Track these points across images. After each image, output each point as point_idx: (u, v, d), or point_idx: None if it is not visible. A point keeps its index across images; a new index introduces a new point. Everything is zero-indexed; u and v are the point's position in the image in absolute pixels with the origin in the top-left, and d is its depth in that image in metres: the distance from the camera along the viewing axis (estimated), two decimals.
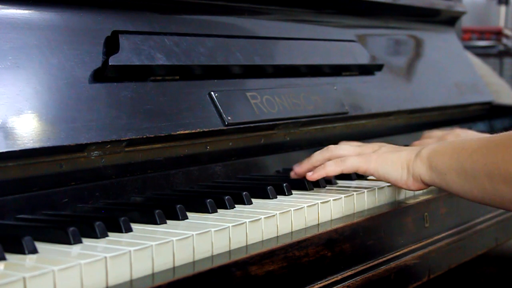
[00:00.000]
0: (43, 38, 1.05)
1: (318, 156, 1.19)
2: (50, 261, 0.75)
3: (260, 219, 0.96)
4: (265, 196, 1.11)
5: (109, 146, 1.06)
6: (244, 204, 1.06)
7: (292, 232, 1.01)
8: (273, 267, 0.91)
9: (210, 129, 1.20)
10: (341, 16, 1.69)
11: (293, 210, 1.02)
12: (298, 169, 1.19)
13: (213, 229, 0.89)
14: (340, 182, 1.26)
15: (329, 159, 1.18)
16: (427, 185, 1.13)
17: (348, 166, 1.15)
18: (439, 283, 1.46)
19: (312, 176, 1.16)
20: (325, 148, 1.20)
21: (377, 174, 1.15)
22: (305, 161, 1.20)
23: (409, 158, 1.12)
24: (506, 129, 2.05)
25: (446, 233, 1.30)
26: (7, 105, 0.96)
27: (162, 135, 1.13)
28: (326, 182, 1.22)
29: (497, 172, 0.99)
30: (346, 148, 1.19)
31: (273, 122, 1.32)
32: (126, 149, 1.09)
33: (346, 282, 1.03)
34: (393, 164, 1.13)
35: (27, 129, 0.96)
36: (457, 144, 1.09)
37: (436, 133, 1.51)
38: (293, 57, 1.46)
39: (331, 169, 1.15)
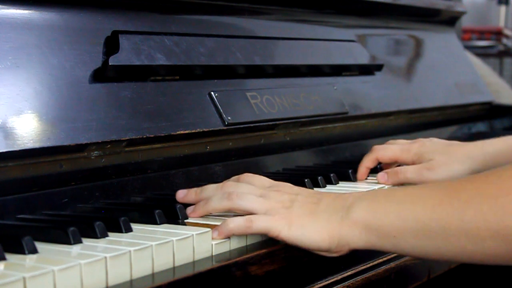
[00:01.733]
0: (43, 38, 1.05)
1: (216, 203, 0.96)
2: (50, 261, 0.75)
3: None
4: None
5: (109, 146, 1.06)
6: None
7: None
8: (273, 267, 0.91)
9: (210, 129, 1.20)
10: (341, 16, 1.69)
11: None
12: (190, 213, 0.99)
13: (213, 229, 0.90)
14: (341, 183, 1.26)
15: (228, 210, 0.96)
16: (357, 249, 0.93)
17: (257, 229, 0.92)
18: (439, 283, 1.46)
19: (219, 237, 0.91)
20: (225, 192, 0.96)
21: (290, 243, 0.92)
22: (194, 194, 1.00)
23: (332, 226, 0.91)
24: (506, 129, 2.06)
25: None
26: (7, 105, 0.96)
27: (162, 135, 1.13)
28: (326, 182, 1.22)
29: (485, 228, 0.82)
30: (251, 201, 0.94)
31: (273, 122, 1.32)
32: (126, 149, 1.09)
33: (346, 282, 1.03)
34: (310, 234, 0.91)
35: (27, 129, 0.96)
36: (400, 196, 0.90)
37: (401, 141, 1.36)
38: (293, 57, 1.46)
39: (237, 231, 0.92)
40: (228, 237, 0.91)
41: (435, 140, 1.33)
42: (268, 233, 0.92)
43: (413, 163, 1.28)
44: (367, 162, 1.31)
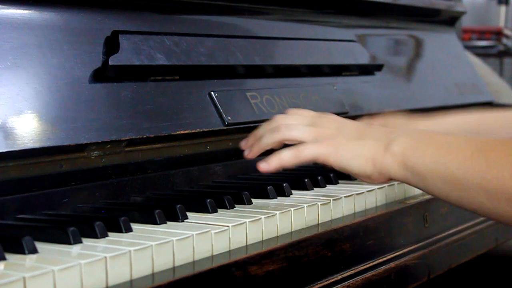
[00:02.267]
0: (43, 38, 1.05)
1: (268, 138, 1.04)
2: (50, 261, 0.75)
3: (260, 219, 0.96)
4: (265, 196, 1.11)
5: (109, 146, 1.06)
6: (244, 204, 1.06)
7: (292, 232, 1.01)
8: (273, 267, 0.91)
9: (210, 129, 1.20)
10: (341, 16, 1.69)
11: (293, 210, 1.02)
12: (247, 153, 1.07)
13: (213, 229, 0.90)
14: (342, 182, 1.26)
15: (281, 142, 1.04)
16: (395, 180, 1.01)
17: (306, 157, 1.00)
18: (439, 283, 1.46)
19: (268, 168, 1.00)
20: (274, 124, 1.04)
21: (338, 167, 1.00)
22: (251, 137, 1.07)
23: (377, 151, 0.98)
24: None
25: (446, 233, 1.30)
26: (7, 105, 0.96)
27: (162, 135, 1.13)
28: (326, 182, 1.22)
29: (501, 191, 0.86)
30: (300, 131, 1.02)
31: None
32: (126, 149, 1.09)
33: (346, 282, 1.03)
34: (357, 157, 0.98)
35: (27, 129, 0.96)
36: (441, 142, 0.95)
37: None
38: (293, 57, 1.46)
39: (287, 161, 1.00)
40: (278, 168, 0.99)
41: (399, 115, 1.34)
42: (317, 159, 0.99)
43: None
44: None
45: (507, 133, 1.30)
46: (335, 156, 0.99)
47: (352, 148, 0.99)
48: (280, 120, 1.05)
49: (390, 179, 0.99)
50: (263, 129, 1.06)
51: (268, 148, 1.04)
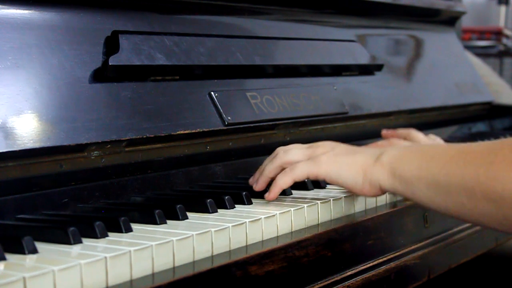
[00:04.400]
0: (43, 38, 1.05)
1: (269, 166, 1.09)
2: (50, 261, 0.75)
3: (260, 219, 0.96)
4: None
5: (109, 146, 1.06)
6: (244, 204, 1.06)
7: (292, 232, 1.01)
8: (273, 267, 0.91)
9: (210, 129, 1.20)
10: (341, 16, 1.69)
11: (293, 210, 1.02)
12: (255, 186, 1.11)
13: (213, 229, 0.90)
14: None
15: (281, 167, 1.09)
16: (386, 192, 1.05)
17: (298, 174, 1.05)
18: (439, 283, 1.46)
19: (269, 197, 1.06)
20: (275, 153, 1.11)
21: (329, 178, 1.05)
22: (257, 172, 1.12)
23: (367, 162, 1.02)
24: (506, 129, 2.06)
25: (446, 233, 1.30)
26: (7, 105, 0.96)
27: (162, 135, 1.13)
28: (327, 183, 1.22)
29: (479, 189, 0.90)
30: (296, 153, 1.09)
31: (273, 122, 1.32)
32: (126, 149, 1.09)
33: (346, 282, 1.03)
34: (347, 168, 1.03)
35: (27, 129, 0.96)
36: (425, 151, 1.00)
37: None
38: (293, 57, 1.46)
39: (282, 182, 1.06)
40: (279, 193, 1.06)
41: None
42: (308, 174, 1.05)
43: None
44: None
45: None
46: (325, 170, 1.04)
47: (343, 161, 1.04)
48: (279, 149, 1.12)
49: (380, 191, 1.03)
50: (265, 162, 1.12)
51: (271, 176, 1.09)
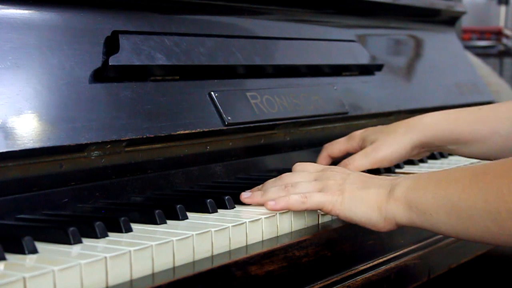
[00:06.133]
0: (43, 38, 1.05)
1: (273, 195, 1.03)
2: (50, 261, 0.75)
3: (260, 219, 0.96)
4: None
5: (109, 146, 1.06)
6: (244, 204, 1.06)
7: (292, 232, 1.01)
8: (273, 267, 0.91)
9: (210, 129, 1.20)
10: (341, 16, 1.69)
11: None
12: (248, 199, 1.05)
13: (213, 229, 0.90)
14: None
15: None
16: (401, 225, 1.00)
17: (312, 205, 1.01)
18: (439, 283, 1.46)
19: (275, 207, 1.00)
20: (280, 183, 1.05)
21: (343, 216, 1.01)
22: (255, 188, 1.08)
23: (380, 198, 0.98)
24: None
25: None
26: (7, 105, 0.96)
27: (162, 135, 1.13)
28: None
29: (504, 209, 0.85)
30: (306, 187, 1.03)
31: (273, 122, 1.32)
32: (126, 149, 1.09)
33: (346, 282, 1.03)
34: (361, 206, 0.99)
35: (27, 129, 0.96)
36: (439, 177, 0.95)
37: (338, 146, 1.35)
38: (293, 57, 1.46)
39: (293, 205, 1.00)
40: (283, 210, 1.00)
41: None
42: (322, 208, 1.00)
43: (360, 149, 1.30)
44: (321, 161, 1.34)
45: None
46: (340, 206, 1.00)
47: (356, 197, 1.00)
48: (286, 179, 1.06)
49: (396, 225, 0.99)
50: (269, 184, 1.06)
51: (273, 197, 1.03)
